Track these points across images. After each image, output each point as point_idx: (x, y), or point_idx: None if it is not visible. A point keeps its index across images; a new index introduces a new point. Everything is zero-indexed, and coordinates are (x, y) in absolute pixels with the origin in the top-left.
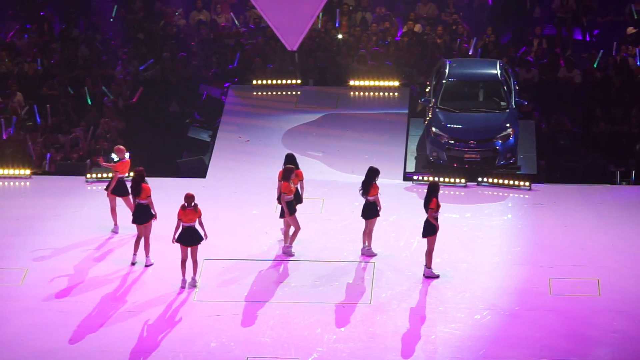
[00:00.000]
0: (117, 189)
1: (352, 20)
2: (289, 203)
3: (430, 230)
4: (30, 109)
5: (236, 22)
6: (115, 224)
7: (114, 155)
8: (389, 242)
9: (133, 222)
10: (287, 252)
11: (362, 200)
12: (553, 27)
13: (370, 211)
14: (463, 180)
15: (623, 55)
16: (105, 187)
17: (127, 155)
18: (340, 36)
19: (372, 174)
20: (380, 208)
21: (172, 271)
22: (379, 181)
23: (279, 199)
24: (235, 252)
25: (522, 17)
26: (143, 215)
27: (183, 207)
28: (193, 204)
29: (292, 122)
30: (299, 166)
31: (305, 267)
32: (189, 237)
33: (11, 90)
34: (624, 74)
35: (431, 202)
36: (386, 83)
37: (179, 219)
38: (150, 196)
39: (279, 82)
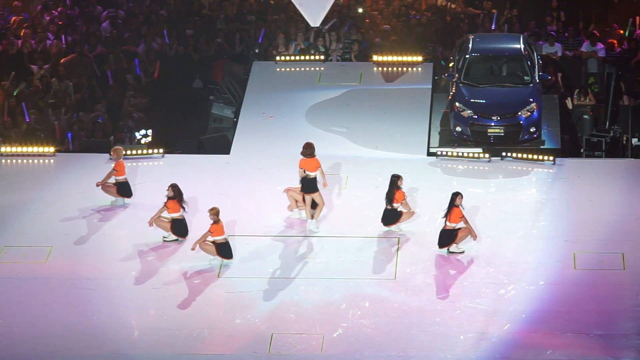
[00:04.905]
0: (123, 190)
1: None
2: (313, 180)
3: (448, 239)
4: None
5: None
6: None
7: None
8: (413, 218)
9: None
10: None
11: (387, 175)
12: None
13: (392, 217)
14: (487, 155)
15: None
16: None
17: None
18: (360, 10)
19: (393, 183)
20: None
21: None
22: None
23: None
24: (259, 228)
25: None
26: None
27: (217, 222)
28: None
29: (316, 99)
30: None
31: (329, 242)
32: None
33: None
34: None
35: (454, 212)
36: (409, 58)
37: (211, 232)
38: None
39: (302, 58)
